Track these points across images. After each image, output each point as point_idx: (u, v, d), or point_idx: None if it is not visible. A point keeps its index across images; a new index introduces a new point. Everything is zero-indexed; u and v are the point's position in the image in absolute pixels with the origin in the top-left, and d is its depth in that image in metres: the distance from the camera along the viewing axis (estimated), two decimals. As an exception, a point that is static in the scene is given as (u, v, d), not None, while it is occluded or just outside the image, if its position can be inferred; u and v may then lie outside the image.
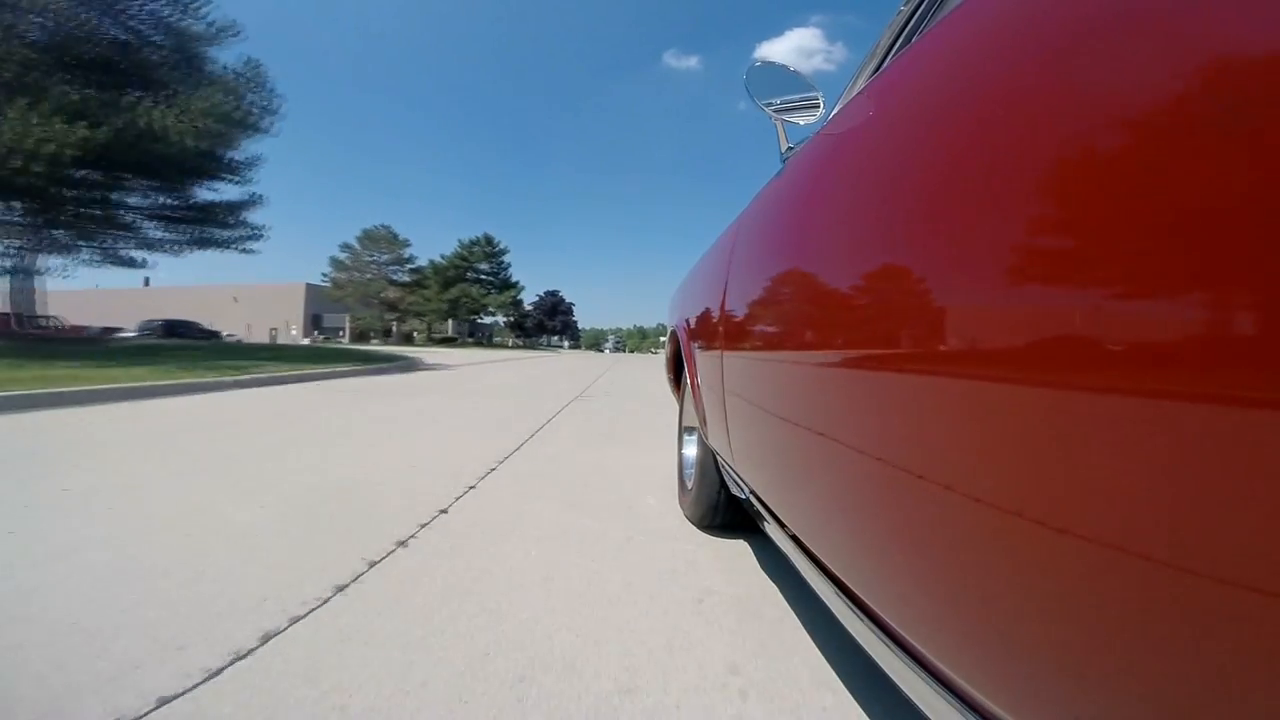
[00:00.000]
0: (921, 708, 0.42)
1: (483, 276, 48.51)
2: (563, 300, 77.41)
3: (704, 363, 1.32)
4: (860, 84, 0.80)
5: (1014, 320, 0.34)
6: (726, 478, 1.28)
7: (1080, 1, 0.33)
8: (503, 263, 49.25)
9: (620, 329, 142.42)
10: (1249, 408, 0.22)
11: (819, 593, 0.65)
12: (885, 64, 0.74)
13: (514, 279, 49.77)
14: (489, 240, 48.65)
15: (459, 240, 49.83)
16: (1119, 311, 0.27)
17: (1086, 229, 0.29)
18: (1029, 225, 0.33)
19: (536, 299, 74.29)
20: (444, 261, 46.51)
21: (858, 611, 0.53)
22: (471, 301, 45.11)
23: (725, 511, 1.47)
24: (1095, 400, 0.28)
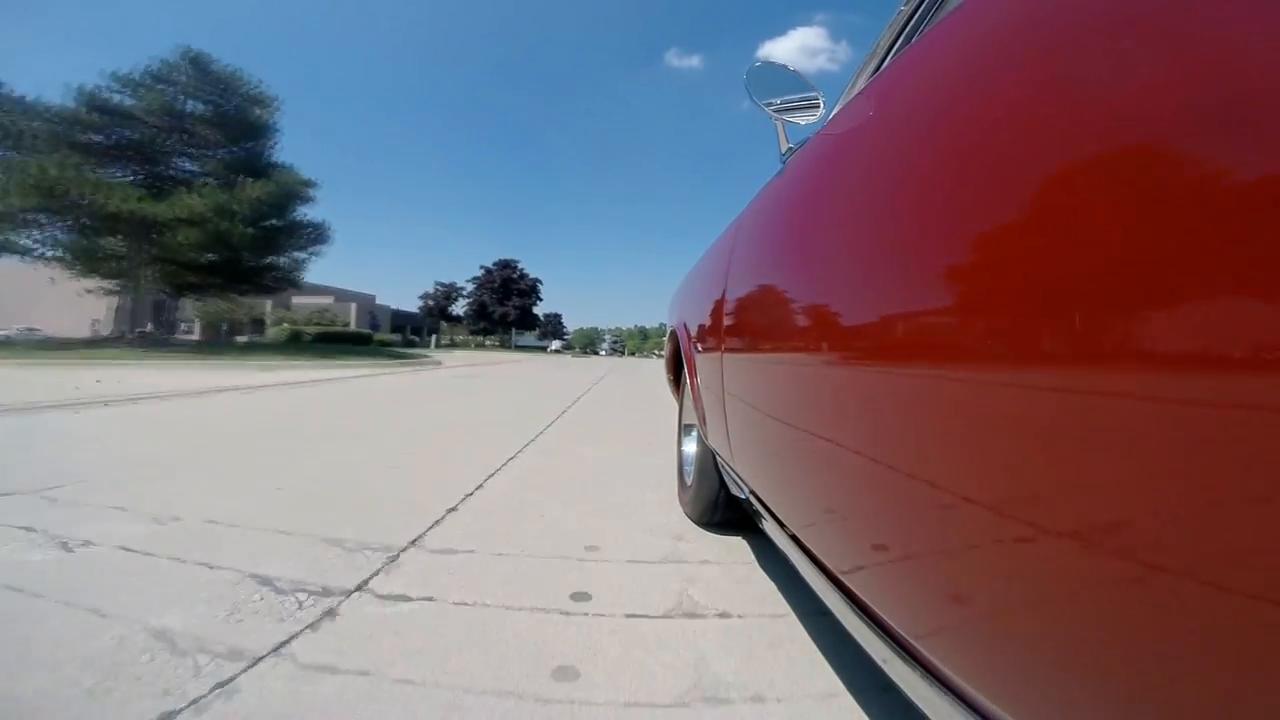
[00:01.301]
0: (921, 707, 0.42)
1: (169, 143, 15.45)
2: (521, 274, 50.43)
3: (704, 363, 1.32)
4: (860, 84, 0.80)
5: (1015, 320, 0.34)
6: (726, 477, 1.28)
7: (1080, 2, 0.33)
8: (244, 112, 16.42)
9: (620, 328, 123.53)
10: (1250, 409, 0.22)
11: (818, 592, 0.65)
12: (885, 64, 0.74)
13: (281, 161, 17.78)
14: (196, 61, 14.97)
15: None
16: (1120, 312, 0.27)
17: (1087, 229, 0.29)
18: (1029, 225, 0.33)
19: (482, 272, 49.25)
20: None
21: (857, 610, 0.53)
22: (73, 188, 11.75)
23: (725, 509, 1.47)
24: (1095, 401, 0.28)
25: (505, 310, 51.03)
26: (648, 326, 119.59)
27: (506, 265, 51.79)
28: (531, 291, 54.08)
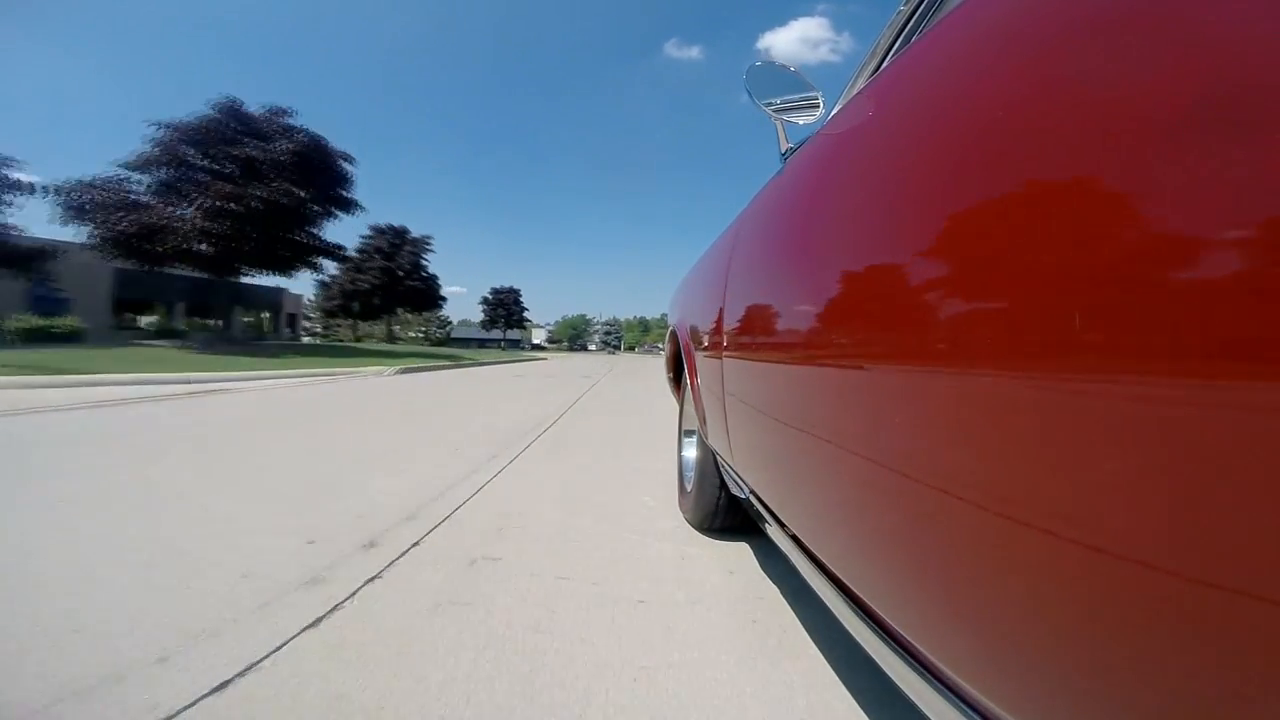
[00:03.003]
0: (921, 708, 0.42)
1: None
2: (312, 145, 16.42)
3: (704, 362, 1.32)
4: (860, 84, 0.80)
5: (1015, 321, 0.34)
6: (726, 477, 1.28)
7: (1080, 2, 0.33)
8: None
9: (616, 319, 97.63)
10: (1249, 409, 0.22)
11: (819, 593, 0.65)
12: (885, 64, 0.74)
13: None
14: None
15: None
16: (1120, 312, 0.27)
17: (1087, 229, 0.29)
18: (1029, 225, 0.33)
19: (153, 139, 14.03)
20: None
21: (858, 611, 0.53)
22: None
23: (726, 514, 1.47)
24: (1095, 401, 0.28)
25: (235, 242, 15.12)
26: (649, 317, 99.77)
27: (314, 152, 17.06)
28: (406, 243, 23.16)
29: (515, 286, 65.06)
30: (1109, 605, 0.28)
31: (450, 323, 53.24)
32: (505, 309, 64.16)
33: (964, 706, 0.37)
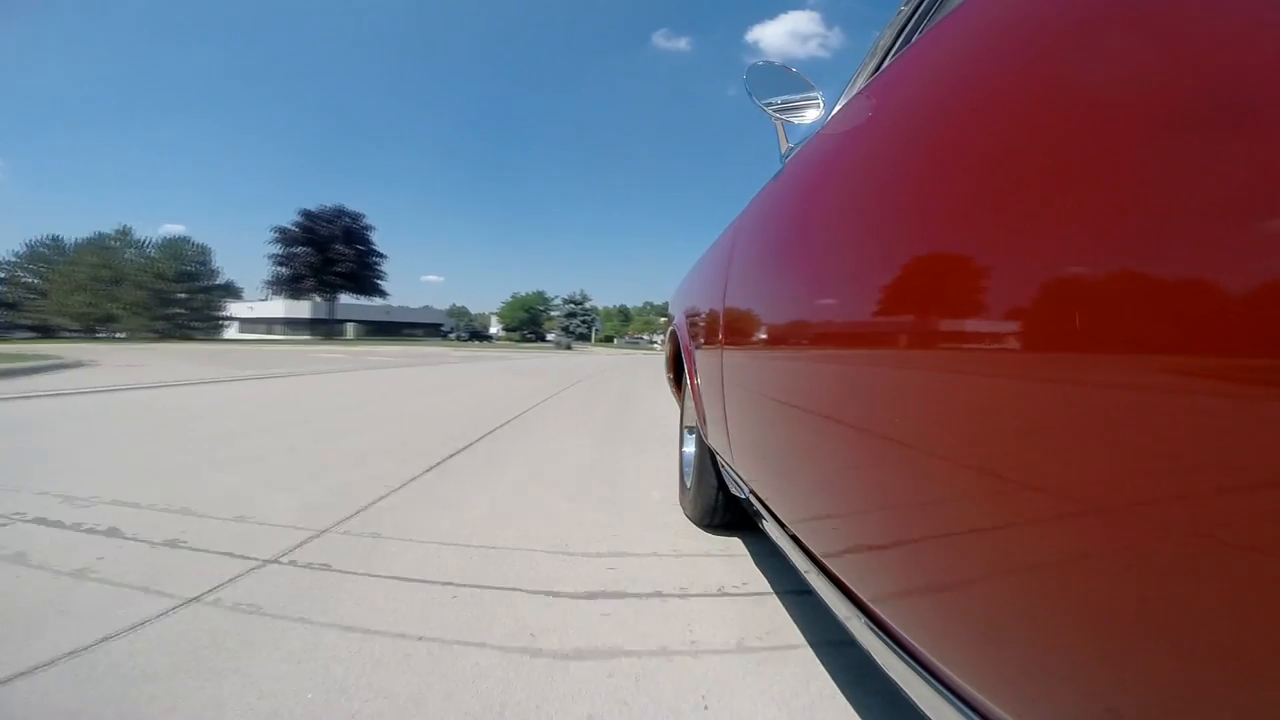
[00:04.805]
0: (921, 707, 0.42)
1: None
2: None
3: (704, 362, 1.32)
4: (860, 84, 0.80)
5: (1014, 320, 0.34)
6: (726, 477, 1.28)
7: (1079, 2, 0.33)
8: None
9: (583, 296, 58.92)
10: (1249, 406, 0.22)
11: (818, 592, 0.65)
12: (885, 64, 0.74)
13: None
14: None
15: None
16: (1119, 311, 0.27)
17: (1086, 228, 0.29)
18: (1028, 225, 0.33)
19: None
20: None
21: (857, 611, 0.53)
22: None
23: (725, 511, 1.47)
24: (1094, 399, 0.28)
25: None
26: (630, 306, 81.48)
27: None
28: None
29: (352, 209, 33.43)
30: (1109, 605, 0.28)
31: (230, 290, 29.78)
32: (324, 251, 31.89)
33: (964, 706, 0.37)
